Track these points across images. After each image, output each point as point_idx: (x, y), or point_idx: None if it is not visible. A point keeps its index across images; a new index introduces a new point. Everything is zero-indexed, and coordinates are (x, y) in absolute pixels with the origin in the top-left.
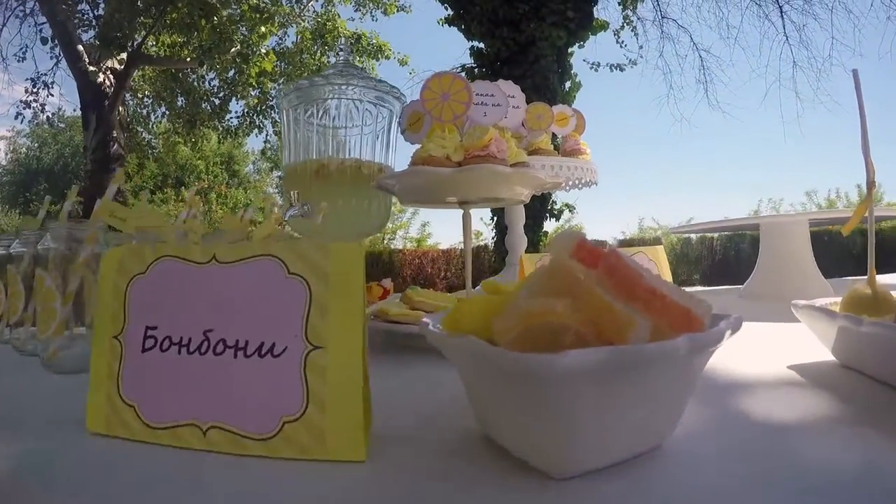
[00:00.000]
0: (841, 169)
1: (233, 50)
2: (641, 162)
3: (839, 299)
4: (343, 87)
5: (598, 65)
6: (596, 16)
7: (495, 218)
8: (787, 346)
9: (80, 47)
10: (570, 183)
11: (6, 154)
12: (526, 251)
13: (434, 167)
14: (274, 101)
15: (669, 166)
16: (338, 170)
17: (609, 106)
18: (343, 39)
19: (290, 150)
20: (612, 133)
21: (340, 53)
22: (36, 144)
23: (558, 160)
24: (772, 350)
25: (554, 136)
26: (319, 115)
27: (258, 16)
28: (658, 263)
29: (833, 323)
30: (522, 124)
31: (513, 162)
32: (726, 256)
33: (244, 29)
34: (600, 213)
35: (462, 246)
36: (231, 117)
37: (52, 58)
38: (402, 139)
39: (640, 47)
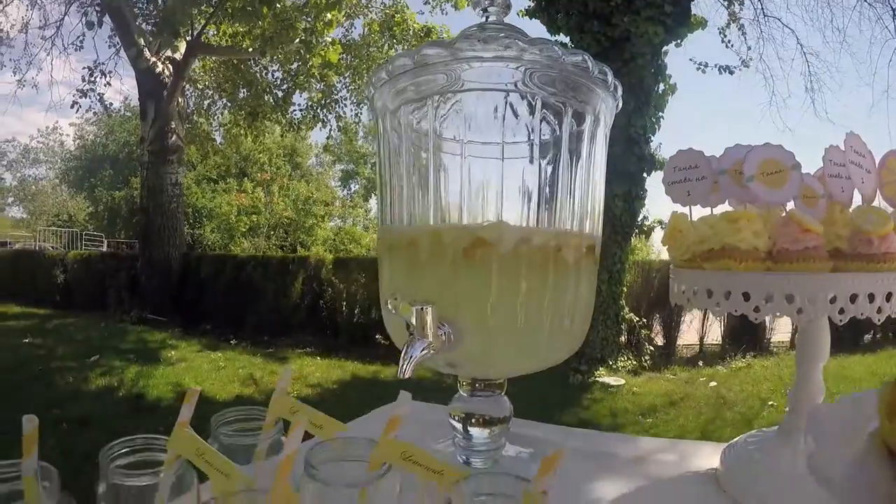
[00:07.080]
0: None
1: (297, 40)
2: None
3: None
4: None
5: (706, 65)
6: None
7: None
8: None
9: (138, 36)
10: None
11: (74, 140)
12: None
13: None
14: (367, 94)
15: None
16: (513, 250)
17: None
18: None
19: (396, 198)
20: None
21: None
22: (102, 132)
23: None
24: None
25: None
26: (465, 126)
27: (324, 1)
28: None
29: None
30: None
31: None
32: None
33: (309, 17)
34: None
35: None
36: (294, 110)
37: (110, 46)
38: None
39: (749, 48)
